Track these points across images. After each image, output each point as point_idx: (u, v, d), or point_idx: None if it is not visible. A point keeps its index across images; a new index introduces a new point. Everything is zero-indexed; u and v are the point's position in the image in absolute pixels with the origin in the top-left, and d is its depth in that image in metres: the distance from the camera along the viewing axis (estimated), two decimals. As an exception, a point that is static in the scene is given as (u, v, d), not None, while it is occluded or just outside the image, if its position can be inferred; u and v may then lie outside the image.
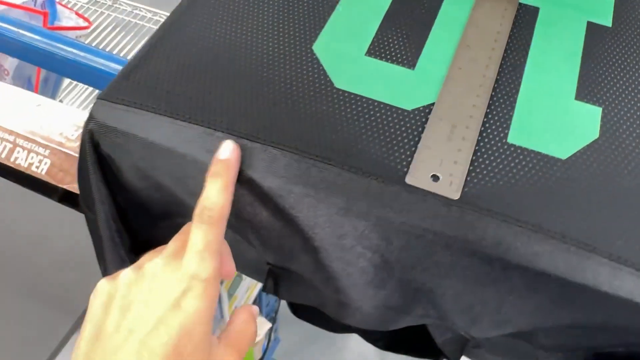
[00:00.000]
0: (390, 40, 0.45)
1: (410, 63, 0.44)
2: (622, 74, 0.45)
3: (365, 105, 0.41)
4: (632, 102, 0.43)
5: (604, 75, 0.44)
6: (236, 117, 0.39)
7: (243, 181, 0.37)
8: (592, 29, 0.48)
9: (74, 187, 0.68)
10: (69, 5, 1.03)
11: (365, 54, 0.44)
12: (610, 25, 0.48)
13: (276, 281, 0.47)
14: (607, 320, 0.36)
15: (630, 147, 0.40)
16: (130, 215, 0.46)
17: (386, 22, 0.47)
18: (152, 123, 0.39)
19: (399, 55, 0.44)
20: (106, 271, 0.48)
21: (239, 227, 0.42)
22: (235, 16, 0.46)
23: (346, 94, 0.41)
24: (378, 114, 0.40)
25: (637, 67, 0.45)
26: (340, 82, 0.42)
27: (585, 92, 0.43)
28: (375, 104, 0.41)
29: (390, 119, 0.40)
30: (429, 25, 0.47)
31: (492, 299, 0.38)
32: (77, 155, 0.45)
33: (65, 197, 0.73)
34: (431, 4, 0.48)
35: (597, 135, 0.40)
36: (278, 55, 0.43)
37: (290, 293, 0.47)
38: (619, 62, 0.45)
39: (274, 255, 0.44)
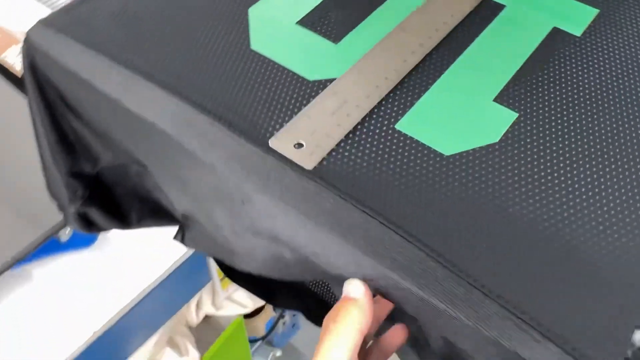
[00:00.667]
0: (329, 13, 0.45)
1: (336, 37, 0.43)
2: (562, 86, 0.40)
3: (270, 68, 0.41)
4: (555, 118, 0.38)
5: (541, 83, 0.40)
6: (153, 63, 0.42)
7: (127, 111, 0.40)
8: (555, 35, 0.44)
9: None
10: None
11: (297, 23, 0.44)
12: (579, 34, 0.44)
13: (183, 231, 0.49)
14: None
15: (523, 159, 0.36)
16: (74, 142, 0.50)
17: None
18: (74, 50, 0.42)
19: (328, 29, 0.44)
20: (49, 189, 0.53)
21: (158, 173, 0.45)
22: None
23: (257, 56, 0.42)
24: (276, 78, 0.41)
25: (582, 83, 0.41)
26: (256, 44, 0.43)
27: (509, 95, 0.40)
28: (279, 68, 0.41)
29: (287, 84, 0.40)
30: (376, 5, 0.46)
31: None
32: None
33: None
34: (384, -13, 0.47)
35: (496, 140, 0.37)
36: (214, 11, 0.45)
37: (194, 242, 0.49)
38: (567, 73, 0.41)
39: (176, 201, 0.46)
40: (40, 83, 0.46)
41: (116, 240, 0.84)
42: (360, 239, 0.33)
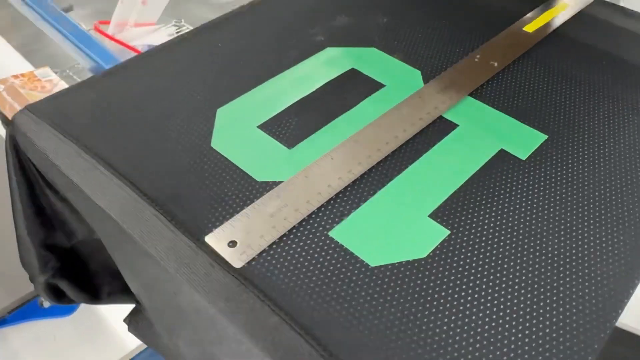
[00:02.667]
0: (290, 120, 0.48)
1: (291, 143, 0.46)
2: (497, 208, 0.42)
3: (223, 166, 0.44)
4: (483, 237, 0.40)
5: (480, 203, 0.42)
6: (116, 152, 0.45)
7: (87, 197, 0.42)
8: (501, 156, 0.45)
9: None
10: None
11: (257, 126, 0.48)
12: (524, 158, 0.45)
13: (132, 316, 0.50)
14: None
15: (446, 277, 0.37)
16: (51, 217, 0.53)
17: (299, 104, 0.50)
18: (47, 134, 0.46)
19: (285, 135, 0.47)
20: (21, 259, 0.55)
21: (114, 255, 0.47)
22: (176, 72, 0.53)
23: (214, 153, 0.45)
24: (227, 177, 0.43)
25: (518, 207, 0.42)
26: (216, 142, 0.46)
27: (445, 212, 0.41)
28: (232, 167, 0.44)
29: (235, 183, 0.43)
30: (336, 115, 0.49)
31: None
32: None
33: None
34: (352, 98, 0.50)
35: (422, 256, 0.38)
36: (183, 111, 0.49)
37: (138, 330, 0.50)
38: (507, 195, 0.43)
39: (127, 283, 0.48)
40: (21, 161, 0.49)
41: (100, 310, 0.86)
42: (270, 344, 0.33)
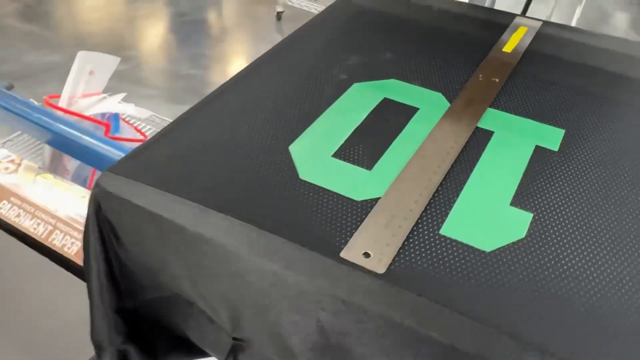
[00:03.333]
0: (356, 147, 0.54)
1: (368, 165, 0.51)
2: (557, 189, 0.50)
3: (320, 193, 0.48)
4: (562, 213, 0.48)
5: (542, 188, 0.50)
6: (214, 196, 0.47)
7: (201, 241, 0.44)
8: (539, 151, 0.54)
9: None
10: (131, 122, 1.20)
11: (332, 156, 0.52)
12: (556, 149, 0.55)
13: (235, 356, 0.51)
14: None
15: (550, 248, 0.44)
16: (119, 277, 0.53)
17: (357, 133, 0.55)
18: (143, 191, 0.47)
19: (359, 159, 0.52)
20: (93, 329, 0.54)
21: (204, 298, 0.49)
22: (231, 118, 0.56)
23: (307, 184, 0.49)
24: (329, 201, 0.47)
25: (571, 184, 0.51)
26: (304, 174, 0.50)
27: (521, 200, 0.49)
28: (329, 193, 0.48)
29: (339, 205, 0.47)
30: (392, 137, 0.55)
31: None
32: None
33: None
34: (398, 122, 0.57)
35: (523, 236, 0.45)
36: (259, 151, 0.52)
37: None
38: (557, 179, 0.51)
39: (231, 325, 0.50)
40: (100, 223, 0.50)
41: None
42: (436, 328, 0.38)
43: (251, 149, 0.53)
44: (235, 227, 0.44)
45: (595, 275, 0.42)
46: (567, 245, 0.45)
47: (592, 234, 0.46)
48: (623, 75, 0.68)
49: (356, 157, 0.52)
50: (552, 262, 0.43)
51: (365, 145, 0.54)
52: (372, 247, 0.43)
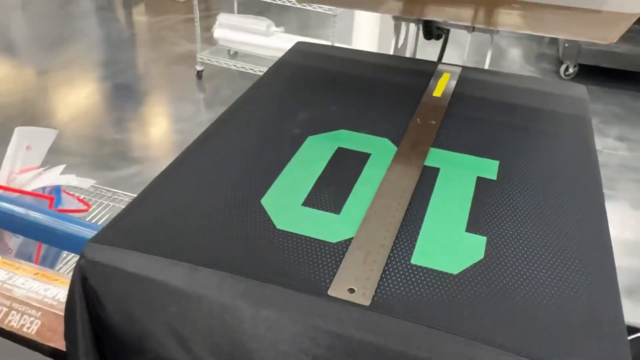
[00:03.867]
0: (322, 194, 0.59)
1: (336, 209, 0.56)
2: (502, 212, 0.57)
3: (298, 240, 0.52)
4: (510, 233, 0.54)
5: (489, 213, 0.57)
6: (200, 254, 0.50)
7: (194, 298, 0.47)
8: (481, 181, 0.62)
9: (61, 345, 0.76)
10: (73, 193, 1.19)
11: (302, 204, 0.57)
12: (495, 178, 0.62)
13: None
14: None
15: (507, 264, 0.51)
16: (107, 347, 0.54)
17: (320, 181, 0.60)
18: (130, 257, 0.50)
19: (327, 205, 0.57)
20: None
21: (194, 355, 0.51)
22: (202, 179, 0.60)
23: (285, 233, 0.53)
24: (308, 246, 0.52)
25: (514, 207, 0.58)
26: (281, 224, 0.54)
27: (474, 226, 0.55)
28: (306, 238, 0.53)
29: (318, 249, 0.51)
30: (353, 182, 0.60)
31: None
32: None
33: (54, 354, 0.80)
34: (355, 168, 0.63)
35: (482, 256, 0.52)
36: (235, 207, 0.56)
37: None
38: (501, 203, 0.58)
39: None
40: (87, 294, 0.51)
41: None
42: (426, 350, 0.43)
43: (226, 206, 0.56)
44: (226, 280, 0.48)
45: (548, 281, 0.49)
46: (520, 260, 0.51)
47: (537, 246, 0.53)
48: (537, 108, 0.77)
49: (324, 204, 0.57)
50: (511, 275, 0.50)
51: (330, 191, 0.59)
52: (355, 282, 0.48)
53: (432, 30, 0.97)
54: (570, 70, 3.03)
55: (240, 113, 0.72)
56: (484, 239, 0.54)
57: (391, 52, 0.98)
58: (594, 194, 0.60)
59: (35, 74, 3.08)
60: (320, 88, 0.80)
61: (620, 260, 1.99)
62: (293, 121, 0.71)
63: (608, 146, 2.61)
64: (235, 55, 3.19)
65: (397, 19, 0.95)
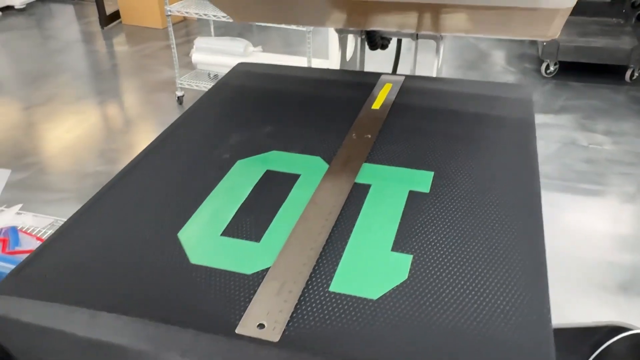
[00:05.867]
0: (244, 222, 0.56)
1: (257, 237, 0.54)
2: (431, 228, 0.54)
3: (212, 274, 0.49)
4: (437, 250, 0.51)
5: (418, 229, 0.54)
6: (105, 297, 0.47)
7: (95, 345, 0.44)
8: (413, 195, 0.59)
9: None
10: (32, 232, 1.16)
11: (221, 234, 0.54)
12: (428, 191, 0.59)
13: None
14: None
15: (432, 284, 0.48)
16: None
17: (243, 208, 0.58)
18: (30, 307, 0.47)
19: (247, 233, 0.54)
20: None
21: None
22: (118, 216, 0.57)
23: (198, 267, 0.50)
24: (222, 280, 0.49)
25: (444, 222, 0.55)
26: (195, 259, 0.51)
27: (401, 244, 0.52)
28: (221, 272, 0.50)
29: (232, 283, 0.48)
30: (277, 207, 0.58)
31: None
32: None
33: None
34: (282, 191, 0.60)
35: (405, 278, 0.49)
36: (149, 244, 0.53)
37: None
38: (431, 218, 0.55)
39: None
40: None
41: None
42: None
43: (142, 243, 0.53)
44: (128, 325, 0.45)
45: (475, 301, 0.46)
46: (446, 279, 0.48)
47: (466, 264, 0.50)
48: (478, 113, 0.75)
49: (245, 232, 0.54)
50: (435, 296, 0.46)
51: (253, 219, 0.56)
52: (266, 317, 0.45)
53: (375, 40, 0.94)
54: (551, 68, 3.01)
55: (168, 141, 0.70)
56: (409, 257, 0.51)
57: (338, 66, 0.96)
58: (531, 204, 0.57)
59: (18, 110, 3.07)
60: (256, 109, 0.77)
61: (613, 255, 1.95)
62: (224, 145, 0.68)
63: (594, 141, 2.58)
64: (215, 77, 3.18)
65: (340, 32, 0.93)
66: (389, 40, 0.99)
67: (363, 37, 0.94)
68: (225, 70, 3.05)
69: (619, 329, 1.24)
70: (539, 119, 2.73)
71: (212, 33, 3.35)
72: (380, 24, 0.88)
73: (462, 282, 0.48)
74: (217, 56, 3.04)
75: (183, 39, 3.96)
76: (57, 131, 2.88)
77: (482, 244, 0.52)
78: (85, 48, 3.93)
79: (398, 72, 1.01)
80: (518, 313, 0.45)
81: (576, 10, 3.05)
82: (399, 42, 1.05)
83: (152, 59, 3.70)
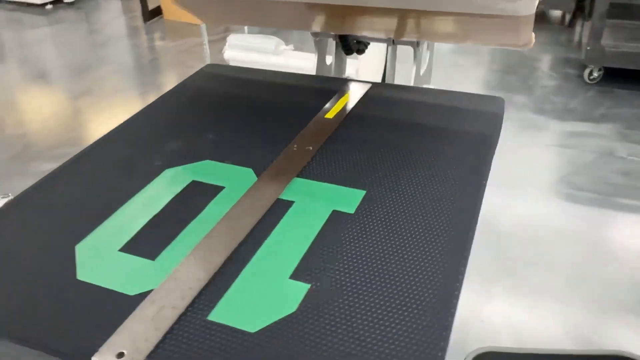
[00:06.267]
0: (147, 237, 0.53)
1: (153, 255, 0.50)
2: (343, 254, 0.49)
3: (93, 293, 0.47)
4: (340, 280, 0.47)
5: (326, 256, 0.49)
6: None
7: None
8: (335, 216, 0.54)
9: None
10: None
11: (119, 250, 0.51)
12: (352, 212, 0.55)
13: None
14: None
15: (322, 317, 0.43)
16: None
17: (153, 222, 0.54)
18: None
19: (146, 250, 0.51)
20: None
21: None
22: (25, 228, 0.55)
23: (82, 284, 0.47)
24: (100, 300, 0.46)
25: (358, 248, 0.50)
26: (82, 275, 0.48)
27: (302, 271, 0.48)
28: (103, 290, 0.47)
29: (109, 303, 0.45)
30: (187, 222, 0.54)
31: None
32: None
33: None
34: (198, 205, 0.56)
35: (293, 310, 0.44)
36: (47, 254, 0.51)
37: None
38: (346, 243, 0.51)
39: None
40: None
41: None
42: None
43: (41, 253, 0.51)
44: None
45: (367, 335, 0.41)
46: (340, 311, 0.44)
47: (368, 298, 0.45)
48: (436, 127, 0.69)
49: (143, 249, 0.51)
50: (323, 331, 0.42)
51: (157, 234, 0.53)
52: (129, 345, 0.42)
53: (350, 45, 0.89)
54: (595, 74, 2.84)
55: (106, 144, 0.68)
56: (306, 287, 0.46)
57: (314, 71, 0.91)
58: (461, 235, 0.51)
59: (64, 99, 3.17)
60: (205, 114, 0.74)
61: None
62: (160, 152, 0.66)
63: (634, 152, 2.42)
64: (246, 75, 3.18)
65: (316, 35, 0.89)
66: (365, 44, 0.94)
67: (337, 41, 0.89)
68: (257, 67, 3.05)
69: (623, 359, 1.15)
70: (577, 127, 2.59)
71: (246, 30, 3.35)
72: (350, 28, 0.83)
73: (363, 319, 0.43)
74: (249, 53, 3.03)
75: (220, 36, 3.99)
76: (101, 120, 2.96)
77: (391, 274, 0.47)
78: (128, 42, 4.02)
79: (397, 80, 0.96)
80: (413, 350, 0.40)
81: (623, 14, 2.86)
82: (387, 49, 1.00)
83: (189, 55, 3.74)
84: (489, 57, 3.51)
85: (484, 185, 0.57)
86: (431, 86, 0.99)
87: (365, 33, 0.85)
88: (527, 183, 2.06)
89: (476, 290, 1.51)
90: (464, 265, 0.48)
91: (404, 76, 0.99)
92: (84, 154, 0.66)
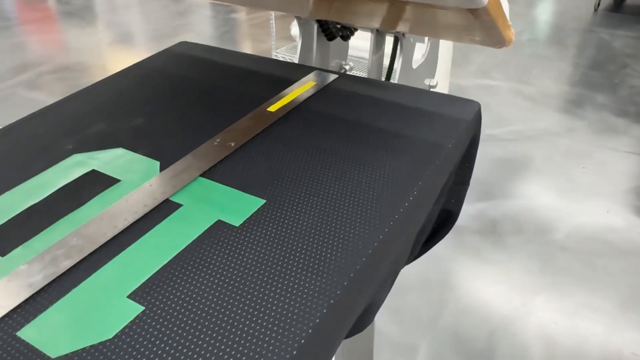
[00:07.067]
0: (8, 230, 0.48)
1: (4, 251, 0.46)
2: (200, 276, 0.42)
3: None
4: (180, 304, 0.40)
5: (178, 275, 0.42)
6: None
7: None
8: (216, 227, 0.47)
9: None
10: None
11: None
12: (238, 225, 0.47)
13: None
14: None
15: (137, 352, 0.37)
16: None
17: (26, 213, 0.50)
18: None
19: (1, 244, 0.47)
20: None
21: None
22: None
23: None
24: None
25: (223, 271, 0.43)
26: None
27: (144, 290, 0.41)
28: None
29: None
30: (61, 216, 0.49)
31: None
32: None
33: None
34: (81, 198, 0.51)
35: (110, 337, 0.38)
36: None
37: None
38: (210, 262, 0.44)
39: None
40: None
41: None
42: None
43: None
44: None
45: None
46: (167, 346, 0.37)
47: (211, 323, 0.38)
48: (392, 130, 0.59)
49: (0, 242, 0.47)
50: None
51: (20, 227, 0.48)
52: None
53: (331, 30, 0.80)
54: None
55: (28, 123, 0.64)
56: (139, 309, 0.40)
57: (297, 55, 0.83)
58: (359, 260, 0.43)
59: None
60: (148, 97, 0.68)
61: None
62: (79, 135, 0.61)
63: None
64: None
65: (299, 19, 0.80)
66: (351, 30, 0.84)
67: (317, 25, 0.80)
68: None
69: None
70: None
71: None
72: (325, 13, 0.74)
73: (185, 352, 0.36)
74: (314, 31, 2.96)
75: (296, 11, 3.94)
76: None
77: (250, 299, 0.40)
78: (204, 13, 4.07)
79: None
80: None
81: None
82: (396, 39, 0.88)
83: (260, 29, 3.73)
84: (575, 50, 3.21)
85: (414, 206, 0.48)
86: (433, 82, 0.88)
87: (336, 19, 0.76)
88: (593, 191, 1.86)
89: (513, 300, 1.38)
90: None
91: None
92: (7, 130, 0.63)
